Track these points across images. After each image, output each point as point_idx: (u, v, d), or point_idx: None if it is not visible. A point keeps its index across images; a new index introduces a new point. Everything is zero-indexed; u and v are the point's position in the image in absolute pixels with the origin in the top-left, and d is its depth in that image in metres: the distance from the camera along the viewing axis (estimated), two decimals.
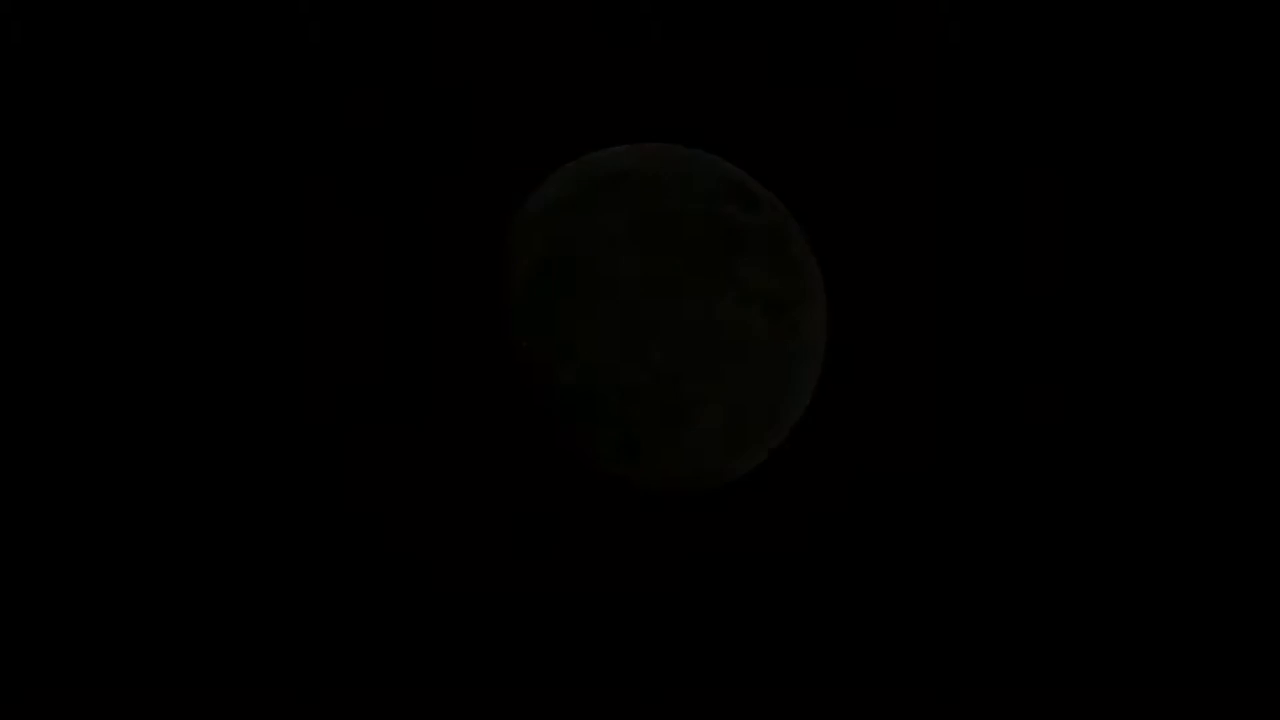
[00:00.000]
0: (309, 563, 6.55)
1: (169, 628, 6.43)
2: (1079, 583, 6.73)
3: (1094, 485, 6.78)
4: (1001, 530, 6.83)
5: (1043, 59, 6.78)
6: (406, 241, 6.78)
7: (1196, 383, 6.79)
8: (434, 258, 6.72)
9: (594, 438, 5.99)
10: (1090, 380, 6.85)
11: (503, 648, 6.68)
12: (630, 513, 6.59)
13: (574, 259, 5.84)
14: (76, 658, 6.36)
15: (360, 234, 6.73)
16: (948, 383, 6.93)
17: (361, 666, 6.57)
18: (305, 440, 6.62)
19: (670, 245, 5.81)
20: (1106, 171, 6.85)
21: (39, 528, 6.38)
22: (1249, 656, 6.52)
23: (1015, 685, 6.71)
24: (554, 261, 5.89)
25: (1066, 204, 6.87)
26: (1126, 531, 6.77)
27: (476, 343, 6.35)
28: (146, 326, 6.51)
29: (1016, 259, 6.89)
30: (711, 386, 5.86)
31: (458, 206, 6.74)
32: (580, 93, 6.81)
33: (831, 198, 6.75)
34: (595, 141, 6.35)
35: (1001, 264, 6.90)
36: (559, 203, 6.07)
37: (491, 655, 6.68)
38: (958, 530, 6.85)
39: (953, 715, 6.64)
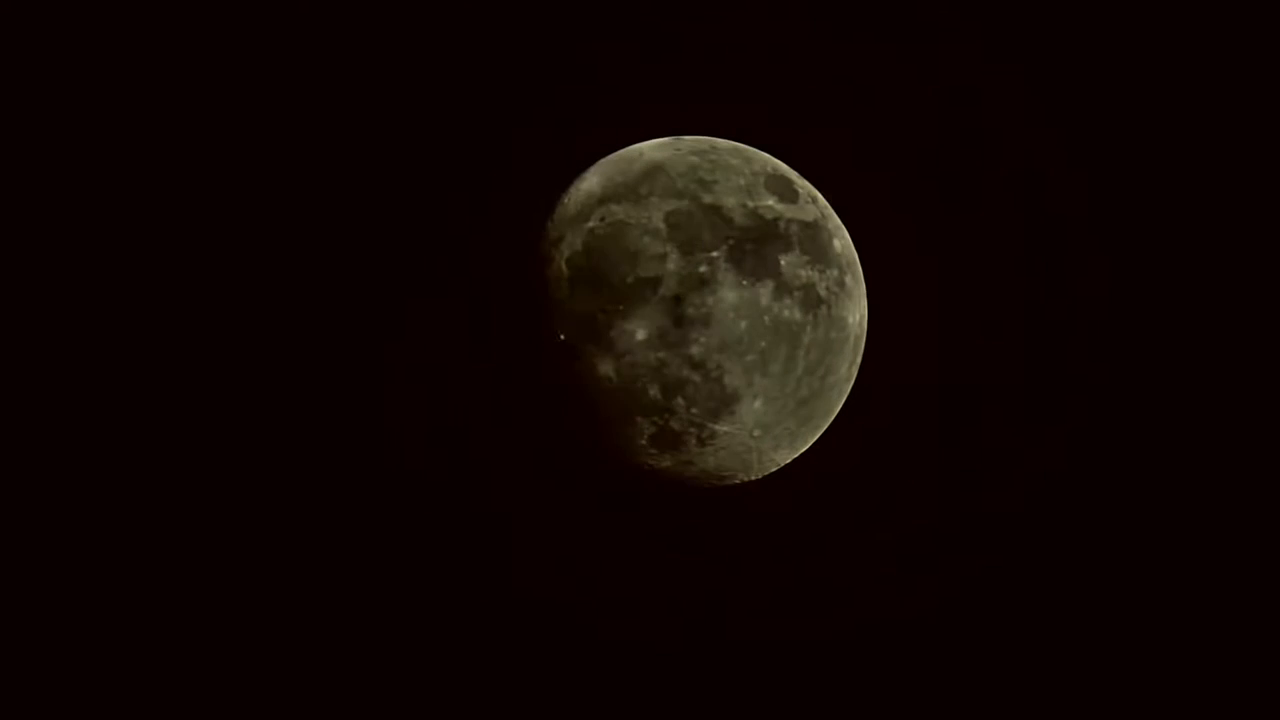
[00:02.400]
0: (361, 558, 6.61)
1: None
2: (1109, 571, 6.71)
3: (1121, 473, 6.75)
4: (1037, 521, 6.82)
5: (1071, 56, 6.75)
6: (445, 237, 6.82)
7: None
8: (473, 252, 6.76)
9: (634, 430, 6.01)
10: (1125, 373, 6.82)
11: (543, 638, 6.72)
12: (670, 505, 6.62)
13: (614, 252, 5.86)
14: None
15: (395, 231, 6.77)
16: (985, 373, 6.92)
17: (411, 652, 6.63)
18: (344, 432, 6.68)
19: (710, 238, 5.82)
20: (1136, 168, 6.80)
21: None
22: None
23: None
24: (594, 254, 5.91)
25: (1099, 200, 6.84)
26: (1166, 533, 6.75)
27: (516, 337, 6.39)
28: (217, 320, 6.59)
29: (1050, 252, 6.87)
30: (751, 379, 5.87)
31: (496, 200, 6.77)
32: (622, 85, 6.83)
33: (872, 191, 6.75)
34: (637, 134, 6.37)
35: (1035, 257, 6.88)
36: (599, 195, 6.09)
37: (531, 645, 6.72)
38: (994, 522, 6.84)
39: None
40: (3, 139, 6.46)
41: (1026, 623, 6.79)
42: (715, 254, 5.81)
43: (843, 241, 6.31)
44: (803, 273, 5.98)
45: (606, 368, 5.87)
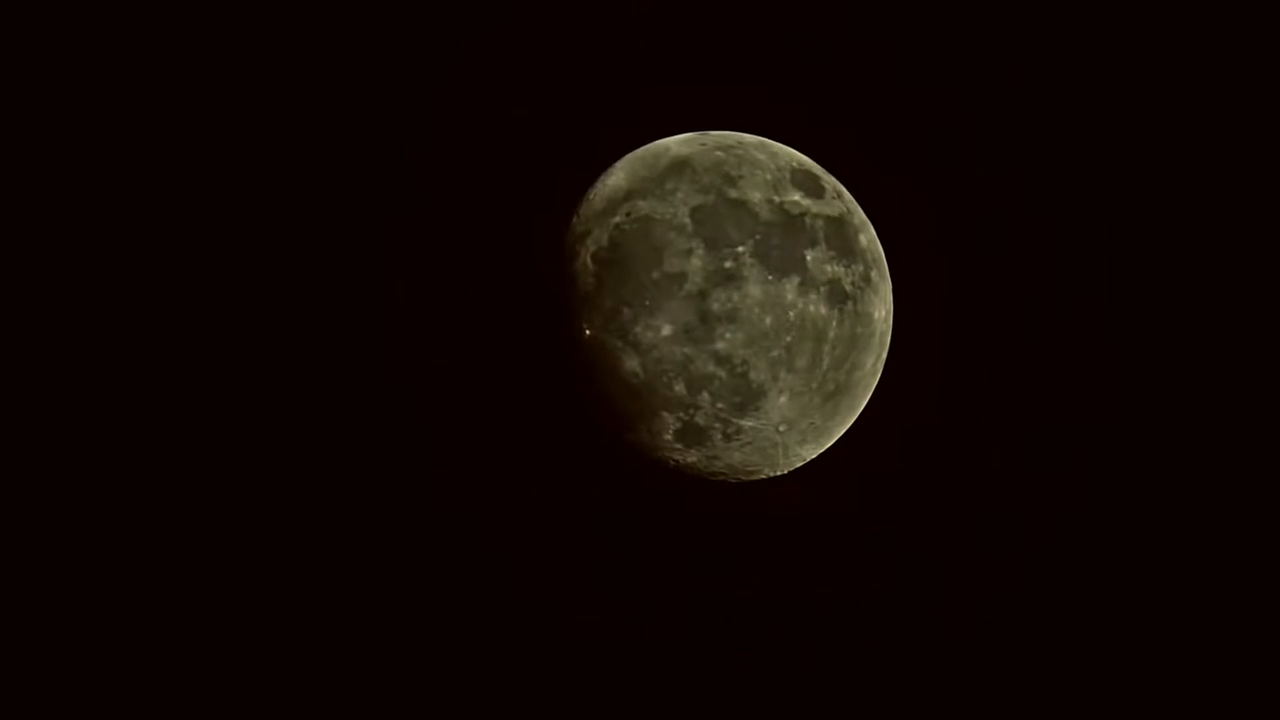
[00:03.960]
0: (380, 559, 6.64)
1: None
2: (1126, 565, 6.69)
3: (1145, 473, 6.73)
4: (1063, 517, 6.80)
5: (1099, 54, 6.72)
6: (471, 233, 6.83)
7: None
8: (499, 248, 6.78)
9: (660, 425, 6.02)
10: (1145, 369, 6.80)
11: (566, 637, 6.74)
12: (695, 500, 6.64)
13: (640, 247, 5.87)
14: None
15: (419, 228, 6.79)
16: (1010, 369, 6.91)
17: (435, 652, 6.66)
18: (364, 430, 6.70)
19: (736, 233, 5.82)
20: (1156, 165, 6.77)
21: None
22: None
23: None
24: (620, 249, 5.91)
25: (1125, 194, 6.82)
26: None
27: (542, 332, 6.41)
28: (242, 318, 6.62)
29: (1074, 249, 6.85)
30: (777, 374, 5.87)
31: (521, 196, 6.79)
32: (647, 81, 6.83)
33: (898, 187, 6.74)
34: (663, 129, 6.37)
35: (1060, 252, 6.86)
36: (625, 191, 6.09)
37: (554, 643, 6.74)
38: (1019, 518, 6.83)
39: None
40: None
41: (1052, 622, 6.78)
42: (741, 249, 5.81)
43: (868, 237, 6.30)
44: (829, 268, 5.98)
45: (632, 363, 5.88)
